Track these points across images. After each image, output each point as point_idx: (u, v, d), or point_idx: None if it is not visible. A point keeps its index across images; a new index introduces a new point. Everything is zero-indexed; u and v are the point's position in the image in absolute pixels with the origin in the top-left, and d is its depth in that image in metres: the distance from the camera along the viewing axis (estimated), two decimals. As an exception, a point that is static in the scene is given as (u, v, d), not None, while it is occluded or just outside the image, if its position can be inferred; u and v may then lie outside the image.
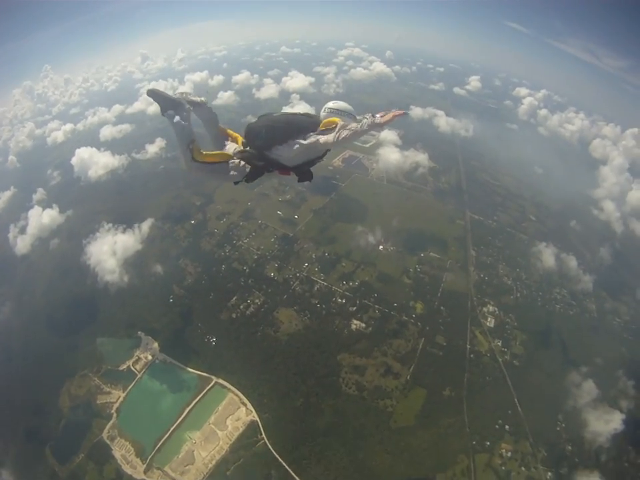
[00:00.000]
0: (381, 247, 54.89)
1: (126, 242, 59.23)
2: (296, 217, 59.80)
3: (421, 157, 74.02)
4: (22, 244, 70.55)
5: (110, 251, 57.96)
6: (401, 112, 5.42)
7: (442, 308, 48.01)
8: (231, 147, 6.20)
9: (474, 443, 37.49)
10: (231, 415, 39.53)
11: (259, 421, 38.92)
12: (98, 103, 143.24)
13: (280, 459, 36.29)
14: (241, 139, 6.45)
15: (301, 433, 38.01)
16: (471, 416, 39.10)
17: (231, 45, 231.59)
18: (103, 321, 49.30)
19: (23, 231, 73.32)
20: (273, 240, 55.44)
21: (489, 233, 60.14)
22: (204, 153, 5.64)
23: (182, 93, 5.91)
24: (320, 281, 49.85)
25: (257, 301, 47.94)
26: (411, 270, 51.90)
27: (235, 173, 5.87)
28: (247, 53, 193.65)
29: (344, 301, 47.79)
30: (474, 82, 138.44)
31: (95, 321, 49.32)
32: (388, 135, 79.87)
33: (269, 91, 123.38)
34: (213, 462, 37.08)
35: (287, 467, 35.82)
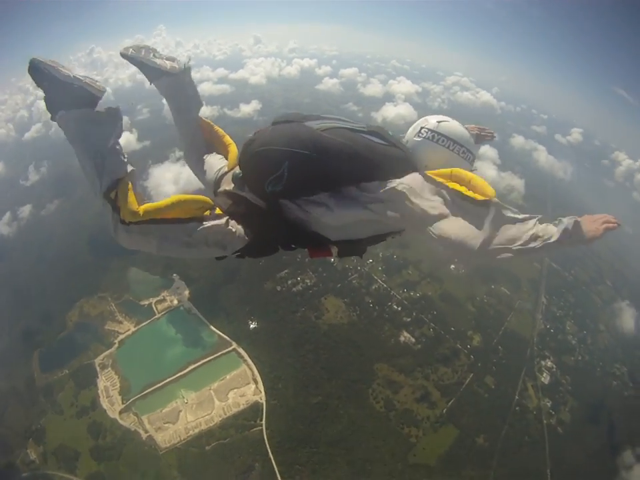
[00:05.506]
0: (452, 266, 49.78)
1: (191, 175, 57.46)
2: (372, 210, 56.90)
3: (517, 182, 68.61)
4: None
5: (172, 178, 55.31)
6: (615, 225, 2.02)
7: (500, 347, 42.46)
8: (214, 166, 2.93)
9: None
10: (237, 389, 34.58)
11: (264, 404, 33.67)
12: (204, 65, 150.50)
13: (270, 454, 31.03)
14: (236, 155, 2.73)
15: (306, 435, 32.65)
16: (497, 475, 33.43)
17: (343, 49, 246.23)
18: (143, 253, 48.03)
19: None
20: (341, 225, 52.49)
21: (564, 285, 54.13)
22: (144, 207, 2.18)
23: (135, 48, 2.72)
24: (380, 282, 45.13)
25: (307, 281, 43.50)
26: (477, 298, 46.71)
27: (214, 243, 2.33)
28: (357, 59, 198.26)
29: (399, 309, 42.93)
30: (576, 134, 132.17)
31: (135, 251, 48.22)
32: (488, 150, 74.70)
33: (374, 89, 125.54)
34: (197, 430, 32.20)
35: (274, 465, 30.53)
